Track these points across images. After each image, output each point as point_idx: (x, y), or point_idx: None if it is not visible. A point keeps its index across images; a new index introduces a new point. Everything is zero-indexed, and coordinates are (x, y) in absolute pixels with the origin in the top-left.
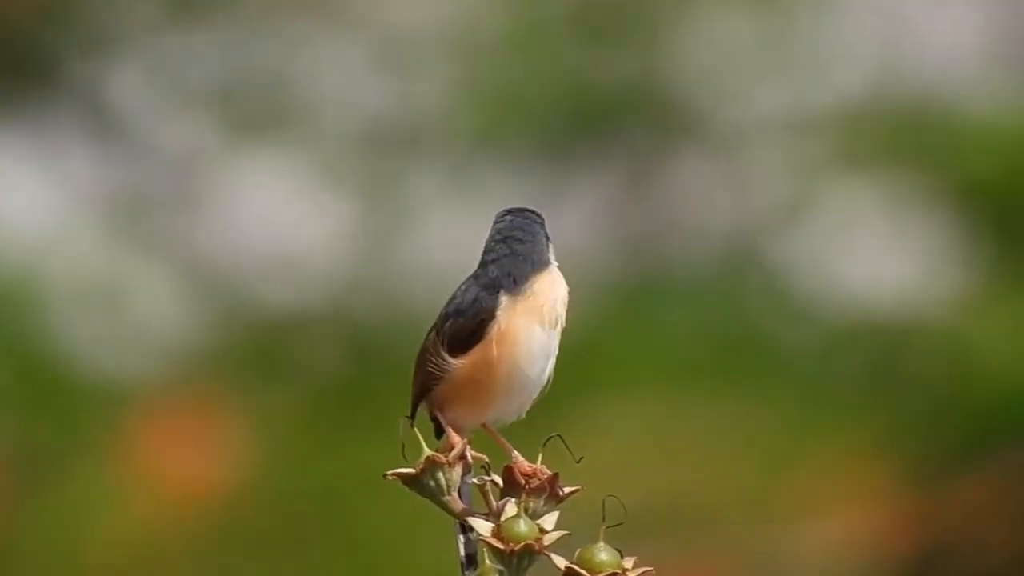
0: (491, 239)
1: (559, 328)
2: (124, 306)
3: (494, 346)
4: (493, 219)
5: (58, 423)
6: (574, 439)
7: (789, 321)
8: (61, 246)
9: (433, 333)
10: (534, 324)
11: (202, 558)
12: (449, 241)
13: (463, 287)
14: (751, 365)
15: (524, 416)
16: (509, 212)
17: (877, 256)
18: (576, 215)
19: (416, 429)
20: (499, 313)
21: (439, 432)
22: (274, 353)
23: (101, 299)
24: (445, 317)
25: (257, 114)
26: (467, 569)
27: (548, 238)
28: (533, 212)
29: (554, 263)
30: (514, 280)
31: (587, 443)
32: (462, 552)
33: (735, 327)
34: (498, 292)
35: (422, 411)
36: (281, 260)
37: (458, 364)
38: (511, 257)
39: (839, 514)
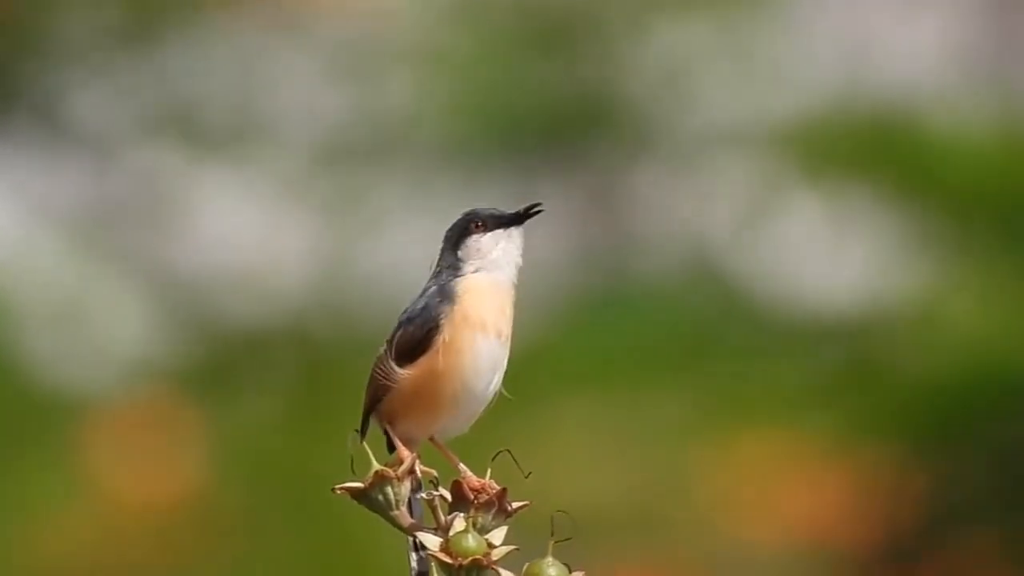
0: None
1: (505, 339)
2: (87, 319)
3: (440, 356)
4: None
5: (19, 433)
6: (527, 446)
7: (749, 325)
8: (23, 259)
9: (385, 344)
10: (476, 334)
11: (161, 566)
12: (412, 254)
13: (416, 298)
14: (711, 368)
15: (467, 430)
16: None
17: (838, 261)
18: (540, 225)
19: (366, 444)
20: (443, 322)
21: (392, 447)
22: (236, 365)
23: (64, 312)
24: (397, 327)
25: (220, 129)
26: None
27: (462, 237)
28: (461, 216)
29: (468, 270)
30: (445, 291)
31: (541, 450)
32: (415, 569)
33: (695, 333)
34: (440, 302)
35: (376, 426)
36: (243, 274)
37: (405, 374)
38: (440, 271)
39: (797, 509)
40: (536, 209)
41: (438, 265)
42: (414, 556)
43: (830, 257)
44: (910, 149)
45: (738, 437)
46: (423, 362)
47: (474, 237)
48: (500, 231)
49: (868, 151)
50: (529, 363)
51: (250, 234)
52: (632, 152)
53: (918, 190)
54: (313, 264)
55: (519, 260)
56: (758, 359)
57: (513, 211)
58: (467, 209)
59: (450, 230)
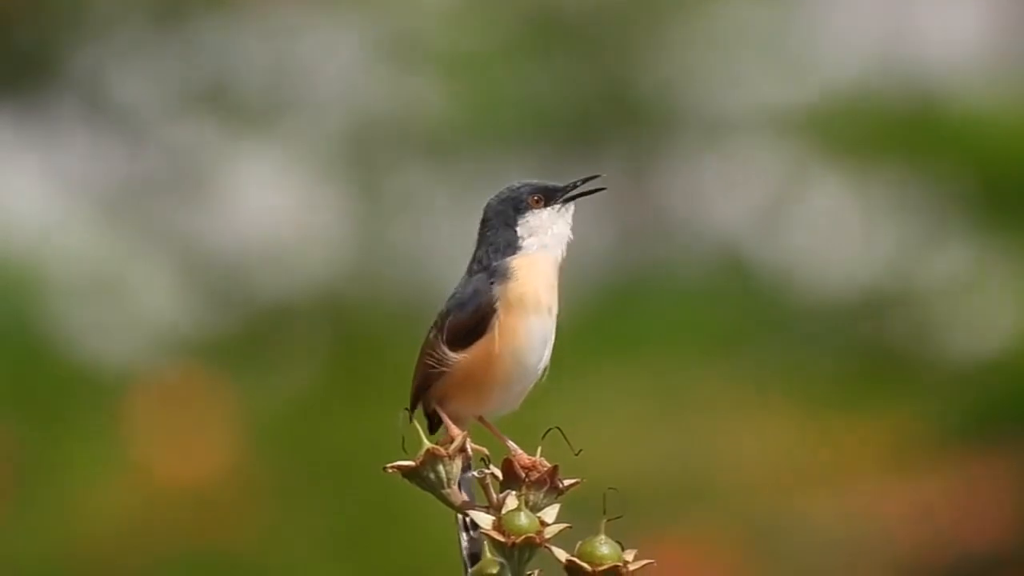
0: (479, 228)
1: (553, 314)
2: (120, 293)
3: (496, 340)
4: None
5: (53, 408)
6: (570, 424)
7: (781, 306)
8: (57, 234)
9: (434, 328)
10: (529, 314)
11: (195, 540)
12: (442, 232)
13: (463, 281)
14: (747, 348)
15: (517, 408)
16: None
17: (869, 242)
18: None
19: (416, 423)
20: (498, 305)
21: (434, 427)
22: (268, 340)
23: (97, 286)
24: (446, 312)
25: (254, 106)
26: (469, 567)
27: (519, 210)
28: (509, 188)
29: (529, 246)
30: (496, 270)
31: (583, 427)
32: (465, 551)
33: (728, 314)
34: (492, 284)
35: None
36: (276, 249)
37: (459, 359)
38: (487, 247)
39: (843, 485)
40: (593, 185)
41: (488, 241)
42: (465, 536)
43: (861, 239)
44: (940, 131)
45: (777, 413)
46: (480, 345)
47: (534, 212)
48: (557, 205)
49: (898, 133)
50: (567, 343)
51: (283, 209)
52: (660, 138)
53: (949, 172)
54: (345, 239)
55: (570, 235)
56: (792, 338)
57: (568, 183)
58: (515, 183)
59: (501, 203)
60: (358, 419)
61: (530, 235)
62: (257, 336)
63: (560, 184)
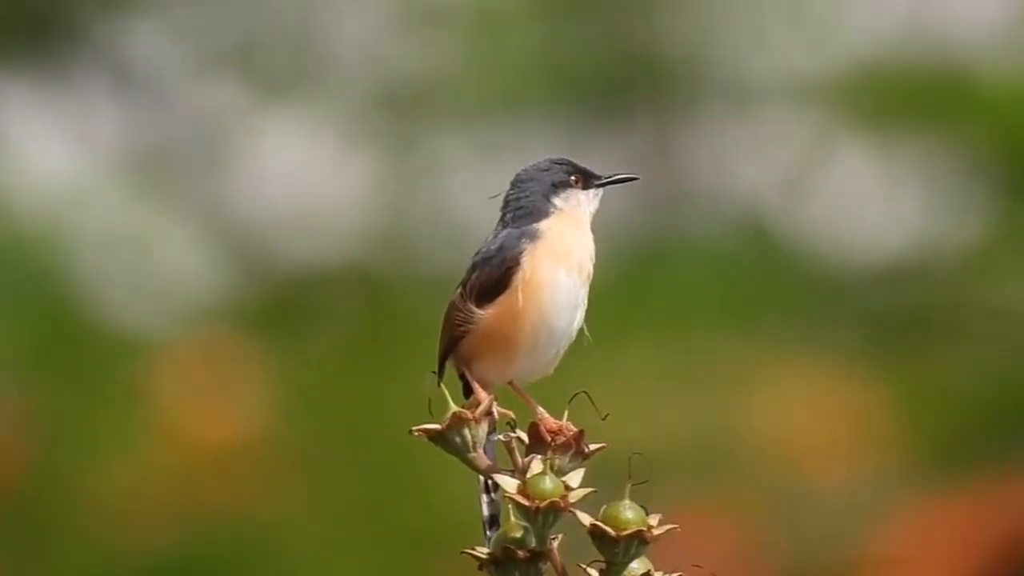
0: (507, 193)
1: (585, 278)
2: (149, 259)
3: (520, 294)
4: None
5: (81, 373)
6: (593, 390)
7: (804, 274)
8: (87, 200)
9: (460, 286)
10: (558, 271)
11: (225, 504)
12: (469, 198)
13: (489, 238)
14: (770, 316)
15: (550, 373)
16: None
17: (892, 210)
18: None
19: (443, 385)
20: (523, 260)
21: (468, 391)
22: (296, 306)
23: (126, 252)
24: (472, 268)
25: (281, 71)
26: (489, 529)
27: (558, 185)
28: (549, 161)
29: (559, 209)
30: (526, 231)
31: (607, 393)
32: (485, 512)
33: (751, 282)
34: (520, 240)
35: (450, 369)
36: (303, 215)
37: (484, 314)
38: (515, 210)
39: (859, 457)
40: (630, 178)
41: (519, 206)
42: (485, 499)
43: (885, 206)
44: (965, 99)
45: (799, 382)
46: (503, 300)
47: (572, 190)
48: (592, 191)
49: (923, 101)
50: (591, 309)
51: (310, 174)
52: (685, 103)
53: (973, 140)
54: (371, 204)
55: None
56: (815, 307)
57: (609, 174)
58: (554, 157)
59: (539, 172)
60: (386, 384)
61: (560, 208)
62: (285, 301)
63: (597, 171)
